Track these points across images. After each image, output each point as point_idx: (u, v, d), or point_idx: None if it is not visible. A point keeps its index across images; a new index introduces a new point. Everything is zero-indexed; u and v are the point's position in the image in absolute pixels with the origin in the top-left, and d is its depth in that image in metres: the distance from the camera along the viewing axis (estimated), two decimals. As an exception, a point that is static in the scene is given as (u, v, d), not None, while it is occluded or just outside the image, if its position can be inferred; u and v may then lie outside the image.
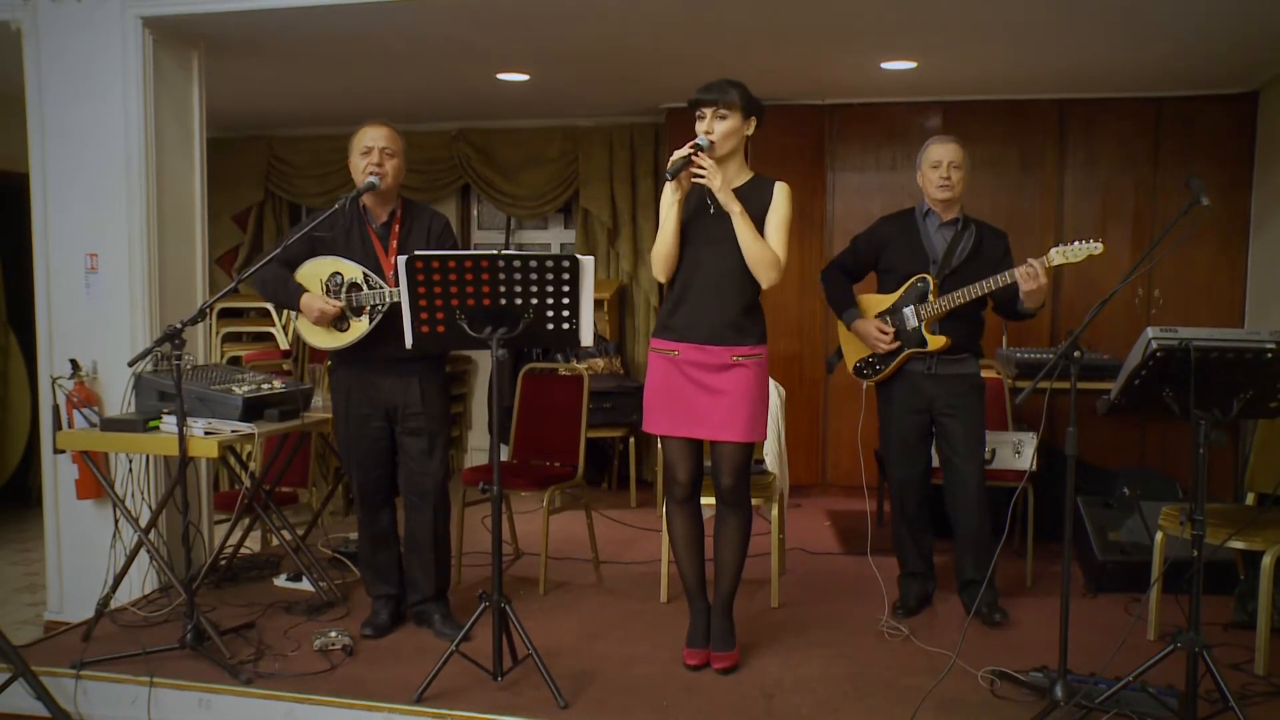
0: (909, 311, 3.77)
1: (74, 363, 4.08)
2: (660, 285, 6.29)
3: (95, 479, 3.92)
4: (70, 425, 3.98)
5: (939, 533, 4.04)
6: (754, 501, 3.51)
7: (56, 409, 3.99)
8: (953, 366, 3.77)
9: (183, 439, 3.35)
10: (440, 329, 3.19)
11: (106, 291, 4.10)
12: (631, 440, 6.07)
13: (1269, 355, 2.68)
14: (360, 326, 3.50)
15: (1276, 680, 3.24)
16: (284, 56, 4.83)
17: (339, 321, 3.52)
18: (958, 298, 3.66)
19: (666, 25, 4.38)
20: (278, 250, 3.50)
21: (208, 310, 3.50)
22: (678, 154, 3.12)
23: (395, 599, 3.76)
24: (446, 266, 3.09)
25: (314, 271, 3.56)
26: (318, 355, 6.30)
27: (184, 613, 3.42)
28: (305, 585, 4.15)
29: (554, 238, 7.20)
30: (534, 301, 3.16)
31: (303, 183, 7.10)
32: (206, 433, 3.57)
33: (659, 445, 4.18)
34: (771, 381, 3.82)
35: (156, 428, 3.65)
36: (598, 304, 6.42)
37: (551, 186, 6.71)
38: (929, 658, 3.45)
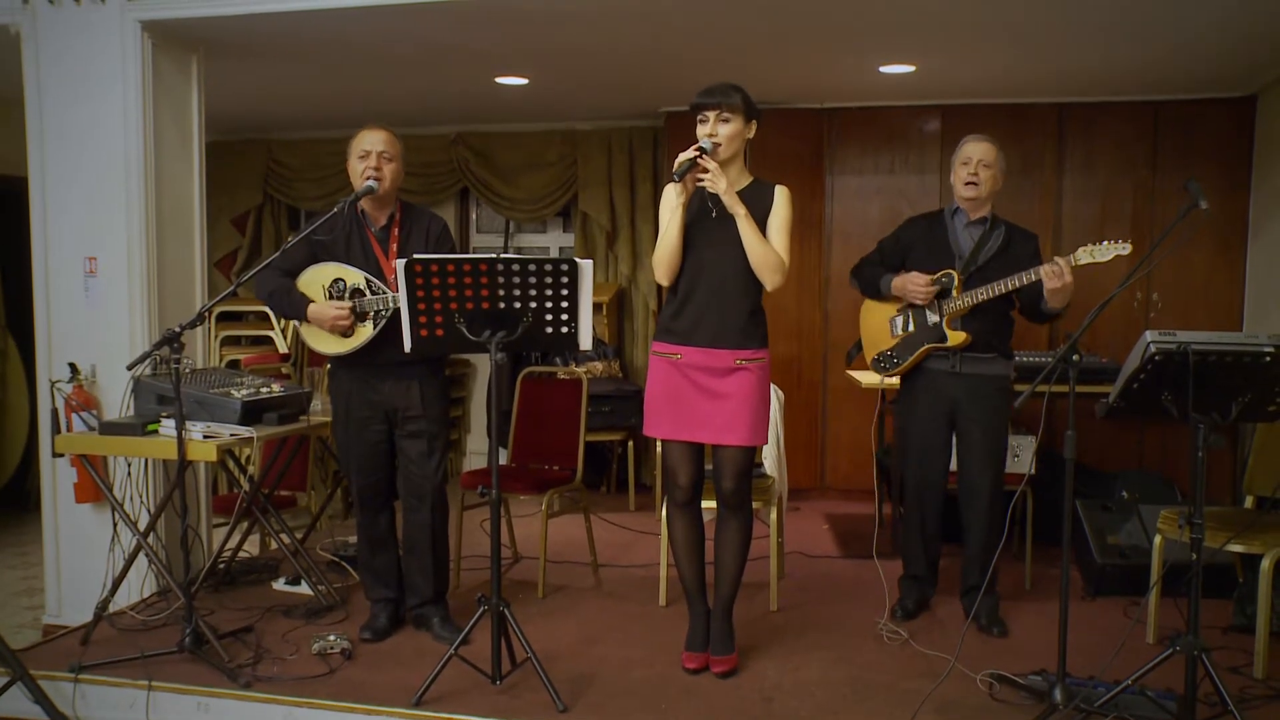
0: (932, 307, 3.73)
1: (73, 366, 4.08)
2: (659, 289, 6.33)
3: (94, 482, 3.91)
4: (69, 429, 3.97)
5: (947, 537, 4.01)
6: (753, 505, 3.50)
7: (55, 412, 3.99)
8: (979, 366, 3.70)
9: (181, 442, 3.35)
10: (439, 332, 3.19)
11: (105, 295, 4.10)
12: (630, 444, 6.08)
13: (1267, 359, 2.69)
14: (365, 331, 3.51)
15: (1275, 683, 3.24)
16: (283, 60, 4.84)
17: (345, 329, 3.53)
18: (980, 294, 3.61)
19: (665, 29, 4.38)
20: (276, 256, 3.49)
21: (206, 314, 3.51)
22: (683, 156, 3.12)
23: (394, 602, 3.75)
24: (445, 270, 3.09)
25: (316, 278, 3.56)
26: (316, 359, 6.30)
27: (182, 616, 3.42)
28: (304, 589, 4.14)
29: (553, 241, 7.20)
30: (533, 305, 3.16)
31: (302, 186, 7.10)
32: (205, 436, 3.57)
33: (658, 449, 4.18)
34: (770, 385, 3.81)
35: (155, 431, 3.65)
36: (596, 307, 6.42)
37: (550, 190, 6.72)
38: (928, 661, 3.45)
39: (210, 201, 4.62)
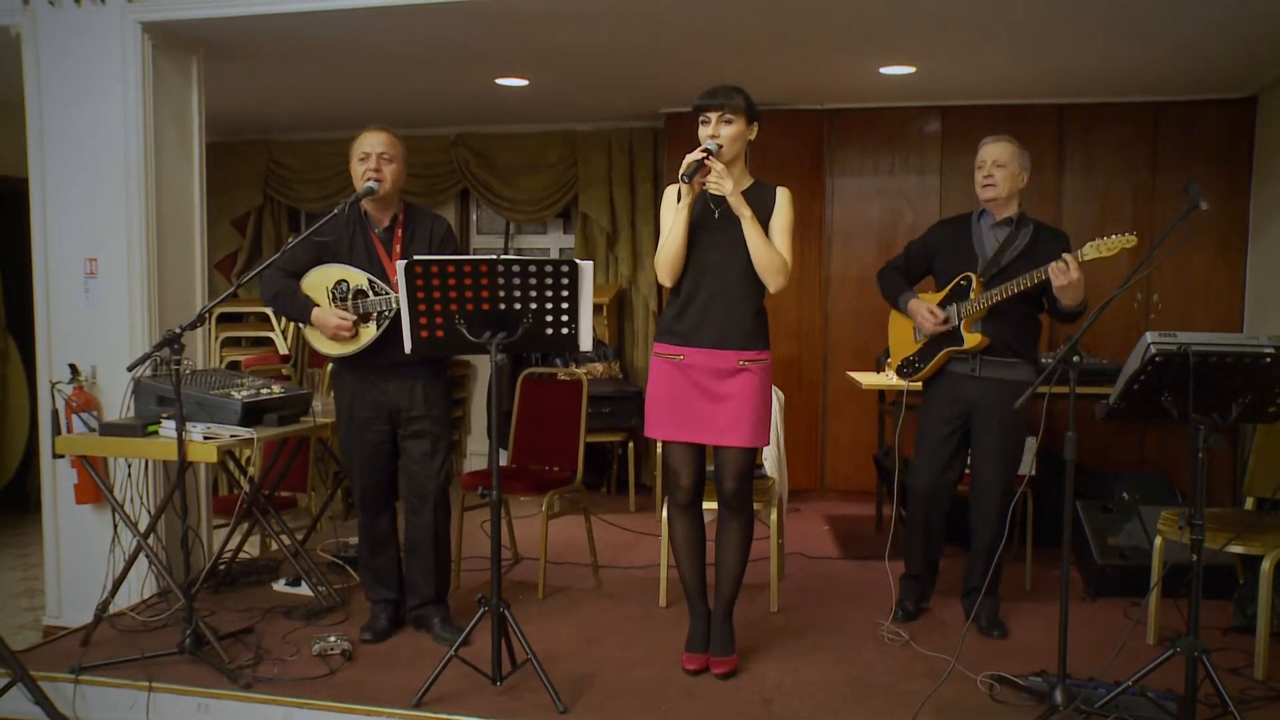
0: (951, 310, 3.71)
1: (73, 367, 4.08)
2: (660, 290, 6.33)
3: (94, 484, 3.91)
4: (69, 430, 3.97)
5: (952, 538, 4.00)
6: (754, 506, 3.50)
7: (55, 414, 3.98)
8: (999, 370, 3.67)
9: (181, 444, 3.35)
10: (439, 334, 3.19)
11: (105, 296, 4.10)
12: (630, 445, 6.08)
13: (1267, 360, 2.69)
14: (369, 333, 3.52)
15: (1276, 685, 3.23)
16: (283, 61, 4.84)
17: (347, 338, 3.53)
18: (995, 295, 3.58)
19: (665, 30, 4.38)
20: (278, 257, 3.49)
21: (207, 315, 3.51)
22: (690, 157, 3.12)
23: (394, 603, 3.75)
24: (446, 271, 3.09)
25: (320, 280, 3.57)
26: (317, 360, 6.31)
27: (183, 617, 3.42)
28: (304, 590, 4.14)
29: (553, 242, 7.20)
30: (533, 306, 3.16)
31: (302, 187, 7.10)
32: (205, 437, 3.57)
33: (659, 450, 4.18)
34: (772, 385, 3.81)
35: (155, 432, 3.65)
36: (597, 309, 6.42)
37: (550, 191, 6.72)
38: (928, 662, 3.45)
39: (210, 202, 4.62)
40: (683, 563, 3.41)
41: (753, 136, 3.25)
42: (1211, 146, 5.59)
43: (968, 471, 3.87)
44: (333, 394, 4.69)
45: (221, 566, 4.35)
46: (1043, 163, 5.78)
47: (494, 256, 3.11)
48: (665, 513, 3.53)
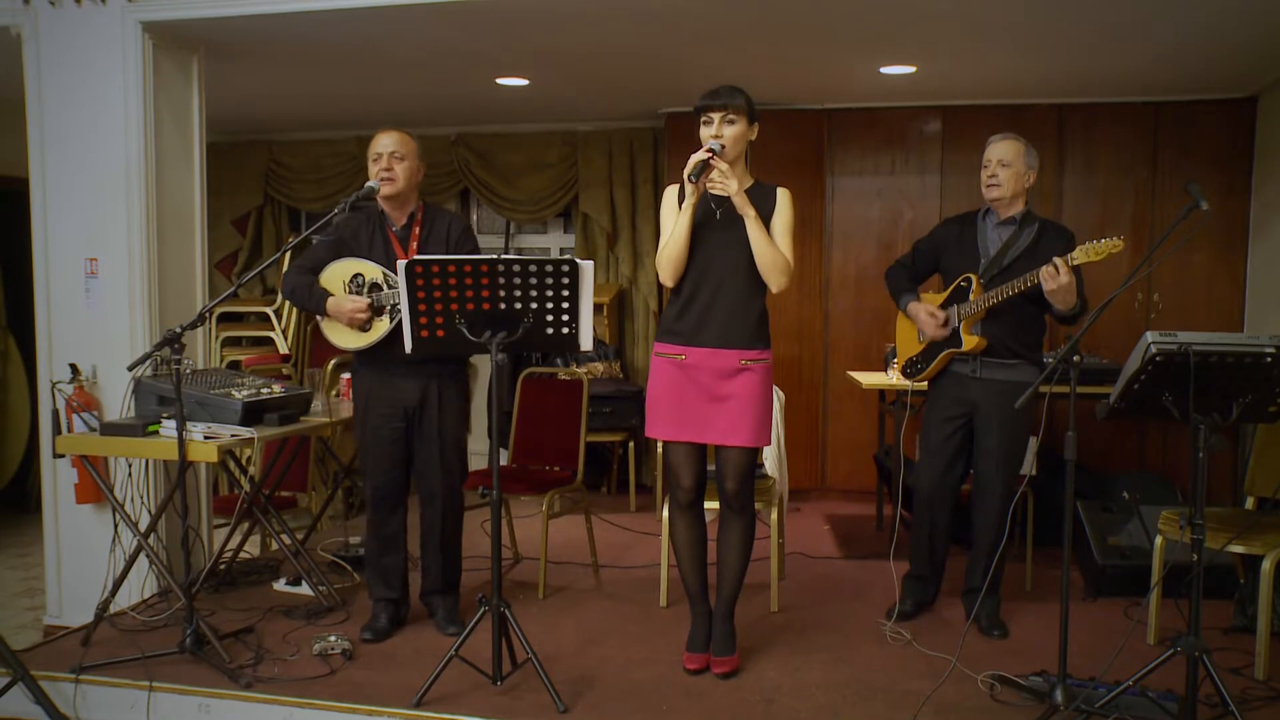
0: (952, 311, 3.72)
1: (73, 367, 4.08)
2: (660, 289, 6.33)
3: (95, 483, 3.91)
4: (70, 430, 3.98)
5: (957, 539, 3.99)
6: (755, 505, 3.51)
7: (56, 413, 3.99)
8: (1001, 371, 3.67)
9: (182, 443, 3.35)
10: (440, 333, 3.19)
11: (106, 296, 4.10)
12: (631, 444, 6.07)
13: (1268, 359, 2.69)
14: (382, 326, 3.56)
15: (1276, 685, 3.24)
16: (284, 61, 4.84)
17: (363, 322, 3.58)
18: (992, 297, 3.58)
19: (666, 30, 4.38)
20: (301, 257, 3.65)
21: (207, 315, 3.53)
22: (695, 157, 3.12)
23: (395, 603, 3.76)
24: (446, 271, 3.09)
25: (337, 274, 3.63)
26: (318, 359, 6.32)
27: (183, 617, 3.42)
28: (304, 590, 4.14)
29: (553, 242, 7.20)
30: (533, 306, 3.16)
31: (302, 187, 7.10)
32: (206, 437, 3.56)
33: (659, 450, 4.18)
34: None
35: (156, 432, 3.65)
36: (597, 308, 6.42)
37: (551, 191, 6.72)
38: (929, 662, 3.45)
39: (211, 202, 4.63)
40: (683, 563, 3.41)
41: (753, 136, 3.27)
42: (1211, 146, 5.59)
43: (972, 472, 3.87)
44: (334, 393, 4.70)
45: (222, 566, 4.35)
46: (1043, 163, 5.72)
47: (494, 256, 3.12)
48: (666, 513, 3.53)
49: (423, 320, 3.17)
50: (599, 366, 6.38)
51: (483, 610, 3.16)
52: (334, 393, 4.73)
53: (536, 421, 4.67)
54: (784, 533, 4.31)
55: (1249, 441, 4.25)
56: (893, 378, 4.66)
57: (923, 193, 5.89)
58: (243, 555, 4.51)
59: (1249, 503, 3.81)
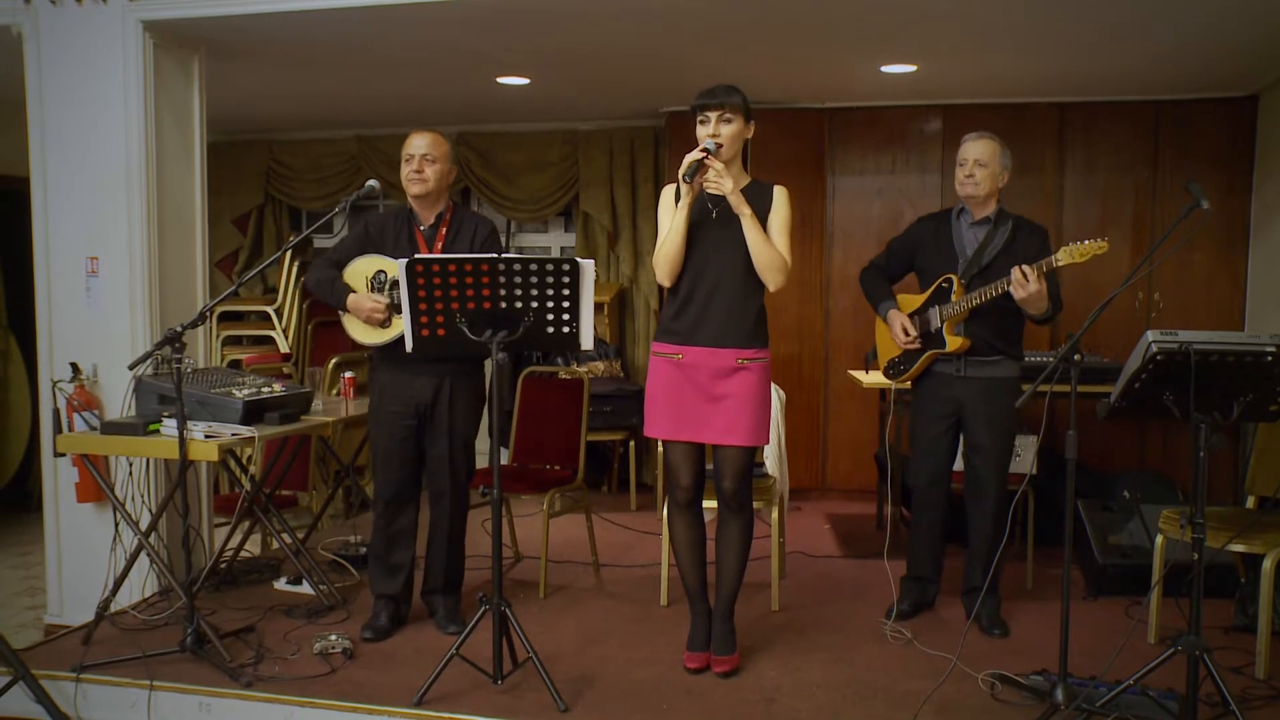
0: (933, 312, 3.73)
1: (74, 366, 4.08)
2: (660, 288, 6.32)
3: (95, 482, 3.91)
4: (70, 428, 3.98)
5: (949, 537, 4.00)
6: (754, 505, 3.51)
7: (57, 412, 3.99)
8: (984, 369, 3.69)
9: (183, 442, 3.35)
10: (440, 332, 3.19)
11: (107, 295, 4.10)
12: (631, 443, 6.07)
13: (1269, 358, 2.69)
14: (401, 323, 3.56)
15: (1277, 684, 3.24)
16: (284, 60, 4.84)
17: (381, 320, 3.61)
18: (975, 298, 3.60)
19: (666, 29, 4.38)
20: (329, 250, 3.74)
21: (208, 314, 3.54)
22: (690, 157, 3.13)
23: (396, 601, 3.76)
24: (446, 270, 3.09)
25: (360, 270, 3.66)
26: (318, 358, 6.32)
27: (184, 616, 3.42)
28: (305, 589, 4.14)
29: (554, 241, 7.20)
30: (534, 305, 3.16)
31: (303, 186, 7.10)
32: (206, 436, 3.57)
33: (659, 449, 4.18)
34: (772, 384, 3.81)
35: (157, 431, 3.65)
36: (598, 307, 6.42)
37: (551, 190, 6.72)
38: (930, 661, 3.45)
39: (211, 201, 4.63)
40: (683, 562, 3.41)
41: (749, 135, 3.27)
42: (1212, 146, 5.59)
43: (958, 471, 3.88)
44: (335, 392, 4.71)
45: (223, 565, 4.35)
46: (1043, 162, 5.78)
47: (495, 255, 3.12)
48: (666, 512, 3.53)
49: (423, 319, 3.17)
50: (599, 365, 6.38)
51: (483, 609, 3.16)
52: (334, 392, 4.73)
53: (537, 420, 4.67)
54: (784, 532, 4.30)
55: (1250, 440, 4.25)
56: (870, 376, 4.67)
57: (923, 192, 5.88)
58: (243, 554, 4.51)
59: (1250, 502, 3.81)
